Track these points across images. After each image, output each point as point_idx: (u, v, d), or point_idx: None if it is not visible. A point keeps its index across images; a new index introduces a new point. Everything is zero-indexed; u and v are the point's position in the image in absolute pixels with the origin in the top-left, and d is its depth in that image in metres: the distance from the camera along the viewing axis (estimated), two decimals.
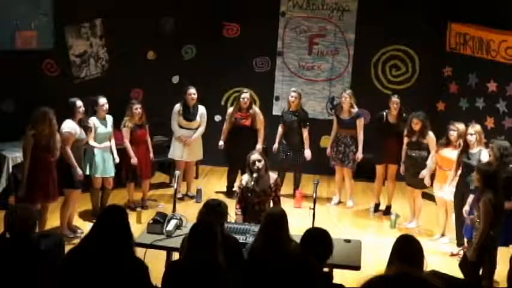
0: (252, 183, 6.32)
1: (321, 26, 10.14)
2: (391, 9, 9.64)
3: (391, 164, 8.45)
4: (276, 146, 8.93)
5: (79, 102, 7.26)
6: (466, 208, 6.48)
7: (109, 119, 7.95)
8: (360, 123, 8.62)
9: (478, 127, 7.18)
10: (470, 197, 6.48)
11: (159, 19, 9.87)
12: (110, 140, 7.96)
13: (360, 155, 8.62)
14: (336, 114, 8.91)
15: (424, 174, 7.83)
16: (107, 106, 7.81)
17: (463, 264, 6.07)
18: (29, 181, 6.79)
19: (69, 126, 7.14)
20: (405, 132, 8.03)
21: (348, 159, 8.69)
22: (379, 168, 8.61)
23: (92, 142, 7.70)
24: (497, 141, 6.86)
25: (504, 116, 8.75)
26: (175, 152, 8.82)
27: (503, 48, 8.59)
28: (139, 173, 8.26)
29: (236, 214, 6.37)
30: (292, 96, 8.81)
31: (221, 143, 8.90)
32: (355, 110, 8.64)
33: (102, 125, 7.83)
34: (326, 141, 9.83)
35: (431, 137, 7.87)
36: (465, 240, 6.69)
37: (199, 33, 9.98)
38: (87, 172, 7.73)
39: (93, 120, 7.74)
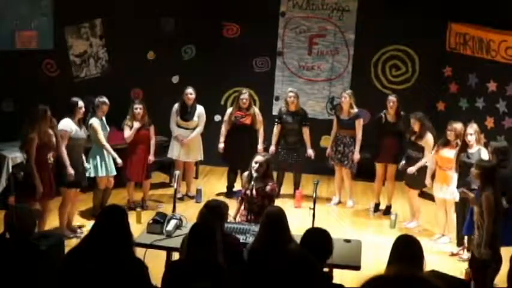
0: (252, 182, 6.33)
1: (321, 26, 10.14)
2: (391, 9, 9.64)
3: (390, 163, 8.45)
4: (273, 148, 8.89)
5: (81, 103, 7.25)
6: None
7: (104, 119, 7.96)
8: (359, 123, 8.62)
9: (476, 126, 7.18)
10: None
11: (159, 19, 9.87)
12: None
13: (357, 156, 8.62)
14: (336, 114, 8.92)
15: (412, 170, 7.83)
16: (104, 107, 7.78)
17: (472, 264, 6.03)
18: (29, 180, 6.77)
19: (65, 124, 7.13)
20: (408, 132, 8.03)
21: (347, 160, 8.69)
22: (379, 168, 8.61)
23: (106, 143, 7.72)
24: (494, 143, 6.85)
25: (504, 116, 8.75)
26: (173, 151, 8.83)
27: (503, 48, 8.59)
28: (132, 173, 8.24)
29: (242, 215, 6.36)
30: (290, 97, 8.81)
31: (221, 145, 8.87)
32: (355, 110, 8.64)
33: (102, 126, 7.84)
34: (326, 141, 9.82)
35: (427, 140, 7.84)
36: (465, 239, 6.69)
37: (199, 33, 9.99)
38: (93, 174, 7.73)
39: (94, 121, 7.72)
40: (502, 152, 6.54)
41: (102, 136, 7.70)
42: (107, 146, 7.77)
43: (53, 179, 6.99)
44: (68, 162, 7.09)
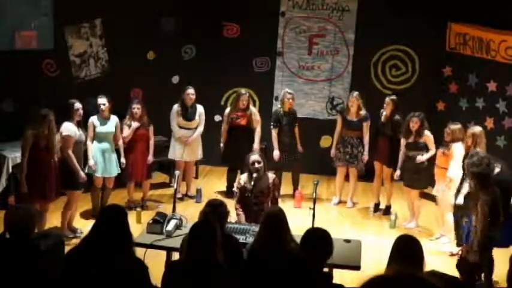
0: (252, 183, 6.34)
1: (320, 26, 10.14)
2: (391, 9, 9.64)
3: (383, 164, 8.45)
4: (277, 152, 8.80)
5: (77, 104, 7.19)
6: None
7: (113, 119, 7.93)
8: (367, 125, 8.63)
9: (475, 129, 7.12)
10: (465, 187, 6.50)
11: (159, 19, 9.87)
12: (113, 140, 7.94)
13: (366, 157, 8.64)
14: (342, 115, 8.89)
15: (422, 159, 7.81)
16: (103, 106, 7.77)
17: (460, 266, 6.06)
18: (27, 181, 6.77)
19: (68, 129, 7.08)
20: (402, 134, 8.02)
21: (356, 160, 8.69)
22: (376, 166, 8.61)
23: (89, 142, 7.70)
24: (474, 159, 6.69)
25: (504, 116, 8.75)
26: (176, 152, 8.82)
27: (503, 48, 8.58)
28: (132, 173, 8.24)
29: (238, 214, 6.38)
30: (288, 98, 8.82)
31: (221, 145, 8.90)
32: (363, 112, 8.64)
33: (102, 125, 7.83)
34: (326, 141, 9.84)
35: (427, 135, 7.86)
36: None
37: (199, 33, 9.99)
38: (86, 171, 7.73)
39: (92, 119, 7.76)
40: (482, 163, 6.48)
41: (89, 134, 7.68)
42: (89, 146, 7.70)
43: (54, 182, 6.98)
44: (78, 167, 7.09)
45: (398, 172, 8.19)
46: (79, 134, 7.22)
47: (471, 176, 5.91)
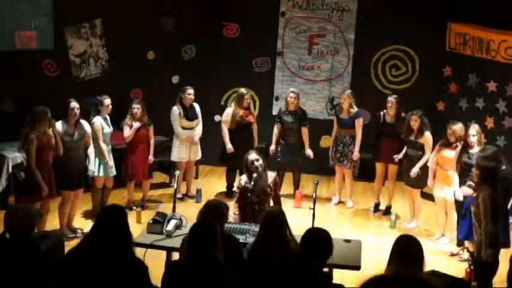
0: (252, 183, 6.33)
1: (320, 26, 10.15)
2: (391, 9, 9.65)
3: (390, 164, 8.45)
4: (273, 147, 8.92)
5: (73, 104, 7.18)
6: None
7: (108, 118, 7.96)
8: (359, 123, 8.63)
9: (477, 127, 7.19)
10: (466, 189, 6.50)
11: (159, 19, 9.87)
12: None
13: (356, 155, 8.64)
14: (336, 114, 8.94)
15: (415, 171, 7.85)
16: (111, 106, 7.83)
17: (477, 268, 6.00)
18: (30, 180, 6.77)
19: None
20: (404, 133, 8.02)
21: (347, 159, 8.70)
22: (379, 167, 8.61)
23: (103, 145, 7.71)
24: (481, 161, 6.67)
25: (504, 116, 8.75)
26: (181, 154, 8.80)
27: (503, 48, 8.59)
28: (133, 173, 8.25)
29: (234, 214, 6.38)
30: (291, 97, 8.82)
31: (230, 145, 8.80)
32: (355, 110, 8.66)
33: (106, 125, 7.85)
34: (326, 141, 9.83)
35: (427, 138, 7.87)
36: (465, 241, 6.69)
37: (199, 33, 9.99)
38: (101, 173, 7.74)
39: (100, 121, 7.74)
40: (492, 159, 6.48)
41: (99, 136, 7.69)
42: (103, 146, 7.73)
43: (53, 180, 6.98)
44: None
45: (400, 156, 8.18)
46: (63, 132, 7.13)
47: (477, 167, 5.88)
